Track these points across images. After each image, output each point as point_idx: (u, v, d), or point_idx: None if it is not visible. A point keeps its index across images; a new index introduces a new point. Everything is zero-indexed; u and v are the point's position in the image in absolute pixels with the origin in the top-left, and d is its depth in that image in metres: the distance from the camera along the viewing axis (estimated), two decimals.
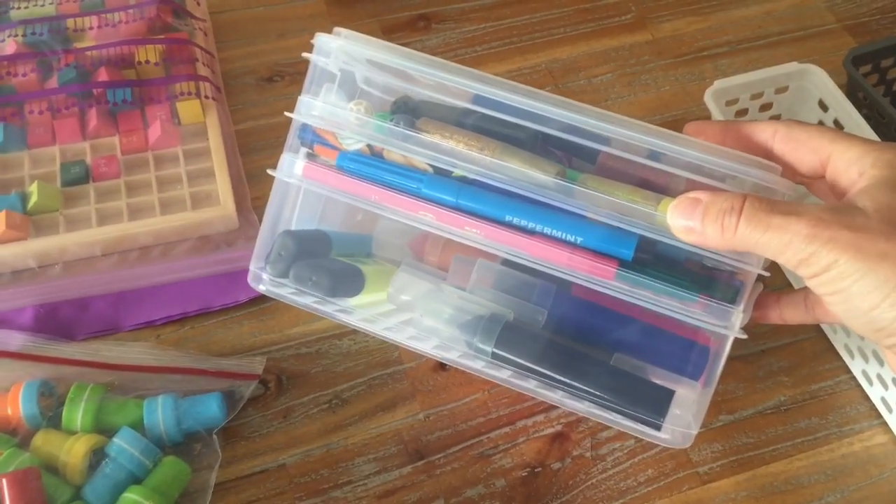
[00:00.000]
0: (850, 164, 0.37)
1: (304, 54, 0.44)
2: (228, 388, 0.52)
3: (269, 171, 0.46)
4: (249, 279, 0.47)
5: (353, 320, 0.47)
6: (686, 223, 0.37)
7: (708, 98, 0.60)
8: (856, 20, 0.74)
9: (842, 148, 0.38)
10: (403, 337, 0.46)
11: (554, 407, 0.53)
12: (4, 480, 0.44)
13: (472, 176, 0.42)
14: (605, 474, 0.50)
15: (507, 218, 0.42)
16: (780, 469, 0.51)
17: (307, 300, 0.46)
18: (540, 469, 0.51)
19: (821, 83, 0.61)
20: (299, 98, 0.45)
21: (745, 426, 0.52)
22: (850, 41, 0.72)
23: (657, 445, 0.51)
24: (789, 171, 0.40)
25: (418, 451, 0.51)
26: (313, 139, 0.45)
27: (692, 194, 0.37)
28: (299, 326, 0.56)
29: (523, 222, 0.42)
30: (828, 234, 0.33)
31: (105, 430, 0.48)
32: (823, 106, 0.62)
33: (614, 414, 0.43)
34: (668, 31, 0.73)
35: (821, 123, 0.63)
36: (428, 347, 0.46)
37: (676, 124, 0.67)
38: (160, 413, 0.48)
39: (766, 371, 0.55)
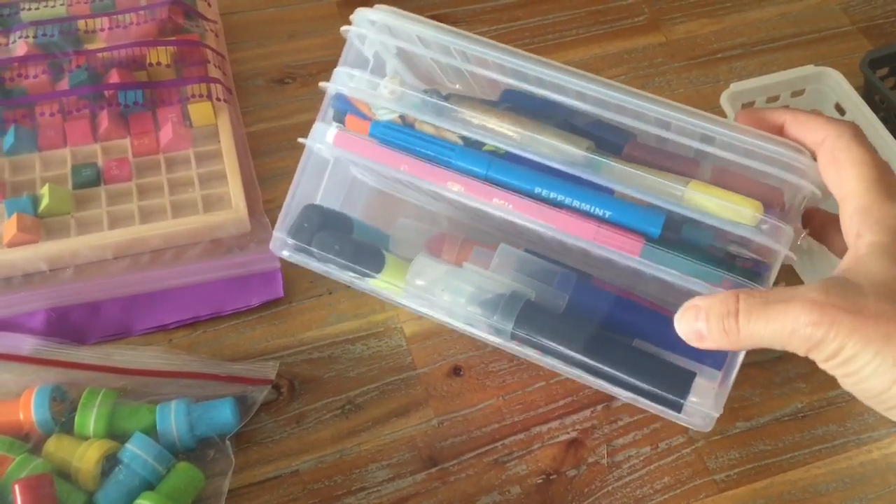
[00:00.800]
0: (852, 215, 0.36)
1: (343, 28, 0.44)
2: (241, 393, 0.51)
3: (300, 140, 0.46)
4: (272, 245, 0.48)
5: (379, 289, 0.46)
6: (695, 331, 0.37)
7: (724, 101, 0.60)
8: (871, 22, 0.73)
9: (852, 193, 0.36)
10: (433, 310, 0.46)
11: (569, 413, 0.52)
12: (17, 486, 0.43)
13: (503, 148, 0.42)
14: (620, 482, 0.50)
15: (537, 190, 0.42)
16: (798, 477, 0.50)
17: (330, 267, 0.46)
18: (555, 476, 0.50)
19: (837, 86, 0.61)
20: (335, 70, 0.45)
21: (762, 433, 0.52)
22: (866, 43, 0.72)
23: (674, 452, 0.51)
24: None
25: (432, 458, 0.51)
26: (346, 108, 0.45)
27: (692, 302, 0.37)
28: (312, 331, 0.55)
29: (552, 195, 0.42)
30: (828, 318, 0.32)
31: (118, 435, 0.48)
32: (840, 109, 0.61)
33: (635, 394, 0.43)
34: (682, 33, 0.72)
35: None
36: (455, 322, 0.45)
37: None
38: (173, 418, 0.48)
39: (783, 377, 0.54)
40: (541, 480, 0.50)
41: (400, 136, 0.44)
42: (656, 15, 0.74)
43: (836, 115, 0.62)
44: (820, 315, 0.33)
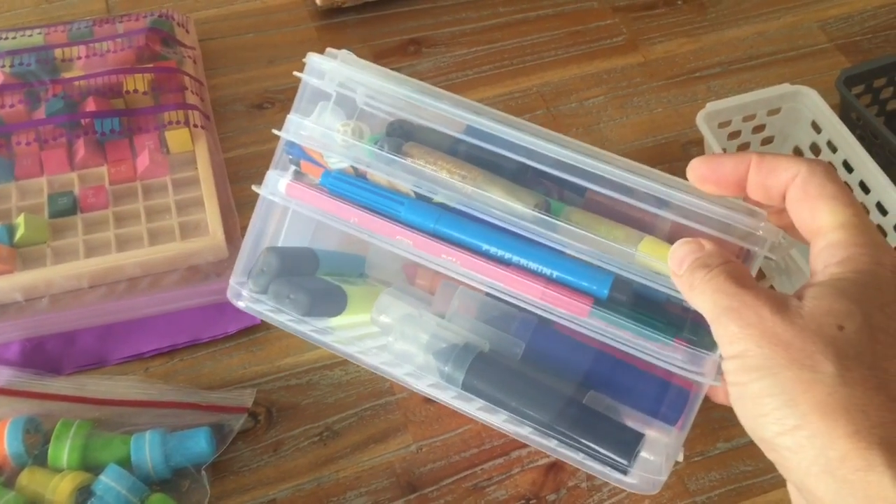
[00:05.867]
0: (822, 250, 0.34)
1: (296, 73, 0.44)
2: (217, 421, 0.51)
3: (254, 188, 0.45)
4: (229, 294, 0.46)
5: (329, 341, 0.45)
6: (679, 260, 0.36)
7: (700, 120, 0.60)
8: (848, 39, 0.74)
9: (826, 229, 0.34)
10: (377, 361, 0.45)
11: None
12: None
13: (451, 203, 0.41)
14: None
15: (485, 247, 0.41)
16: (779, 498, 0.50)
17: (283, 318, 0.46)
18: (535, 501, 0.50)
19: (813, 104, 0.61)
20: (288, 116, 0.44)
21: (742, 454, 0.52)
22: (843, 61, 0.72)
23: None
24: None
25: (411, 484, 0.50)
26: (300, 156, 0.44)
27: (700, 241, 0.36)
28: (289, 357, 0.55)
29: (500, 252, 0.41)
30: (747, 320, 0.32)
31: (92, 467, 0.47)
32: (816, 127, 0.62)
33: (581, 455, 0.42)
34: (660, 53, 0.73)
35: (814, 145, 0.62)
36: (399, 374, 0.45)
37: (669, 146, 0.67)
38: (148, 449, 0.47)
39: None
40: None
41: (350, 187, 0.43)
42: (634, 35, 0.74)
43: (813, 133, 0.62)
44: (746, 317, 0.32)
